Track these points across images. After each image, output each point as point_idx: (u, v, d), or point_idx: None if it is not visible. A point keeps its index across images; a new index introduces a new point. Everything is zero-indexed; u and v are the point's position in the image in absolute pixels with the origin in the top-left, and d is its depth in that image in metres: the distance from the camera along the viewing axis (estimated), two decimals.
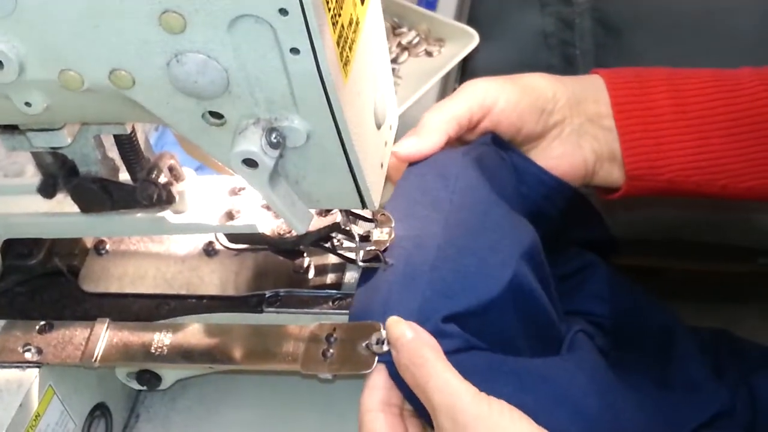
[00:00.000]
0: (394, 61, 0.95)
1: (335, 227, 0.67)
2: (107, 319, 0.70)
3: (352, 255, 0.68)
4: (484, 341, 0.65)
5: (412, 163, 0.71)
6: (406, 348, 0.59)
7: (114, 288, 0.73)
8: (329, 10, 0.50)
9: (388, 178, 0.69)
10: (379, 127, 0.61)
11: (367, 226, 0.68)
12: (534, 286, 0.69)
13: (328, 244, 0.68)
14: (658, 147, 0.76)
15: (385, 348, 0.61)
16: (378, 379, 0.61)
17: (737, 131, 0.76)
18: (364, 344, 0.64)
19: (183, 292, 0.71)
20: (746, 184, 0.78)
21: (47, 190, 0.67)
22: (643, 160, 0.77)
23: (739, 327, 1.68)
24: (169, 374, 0.72)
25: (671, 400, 0.78)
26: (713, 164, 0.77)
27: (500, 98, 0.72)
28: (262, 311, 0.69)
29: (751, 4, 1.22)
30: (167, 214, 0.67)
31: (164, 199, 0.66)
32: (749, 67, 0.80)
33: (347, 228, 0.67)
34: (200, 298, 0.71)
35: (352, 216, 0.68)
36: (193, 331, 0.69)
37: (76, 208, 0.68)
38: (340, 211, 0.66)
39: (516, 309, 0.67)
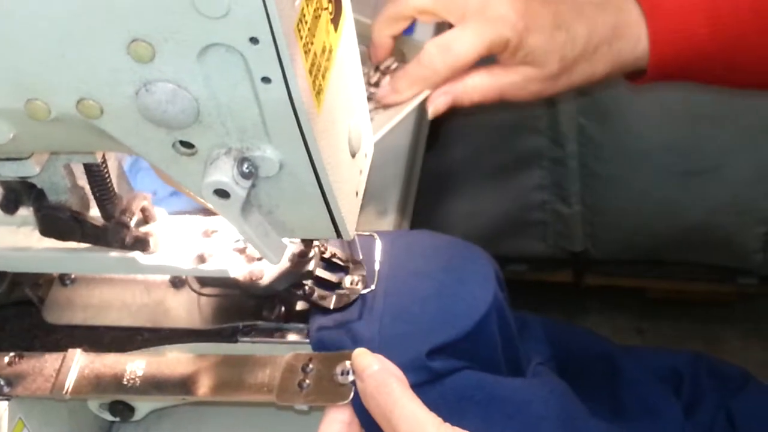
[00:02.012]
0: (375, 85, 0.95)
1: (307, 275, 0.66)
2: (78, 350, 0.69)
3: (324, 303, 0.67)
4: (470, 360, 0.65)
5: None
6: (373, 378, 0.59)
7: (78, 320, 0.71)
8: (301, 38, 0.49)
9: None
10: (353, 155, 0.60)
11: (339, 274, 0.68)
12: (504, 303, 0.69)
13: (300, 291, 0.67)
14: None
15: (350, 378, 0.61)
16: (338, 413, 0.61)
17: None
18: (341, 374, 0.63)
19: (149, 324, 0.70)
20: None
21: (9, 206, 0.65)
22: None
23: (720, 346, 1.70)
24: (143, 405, 0.71)
25: (630, 426, 0.77)
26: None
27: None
28: (236, 341, 0.68)
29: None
30: (138, 255, 0.66)
31: (136, 243, 0.65)
32: None
33: (319, 275, 0.67)
34: (174, 329, 0.70)
35: (324, 263, 0.67)
36: (166, 362, 0.68)
37: (45, 242, 0.67)
38: (313, 259, 0.66)
39: (498, 325, 0.67)
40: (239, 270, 0.66)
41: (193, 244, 0.67)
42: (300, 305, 0.69)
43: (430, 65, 0.77)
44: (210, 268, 0.66)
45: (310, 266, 0.66)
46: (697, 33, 0.77)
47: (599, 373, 0.83)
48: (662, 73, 0.80)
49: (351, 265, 0.69)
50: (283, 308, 0.69)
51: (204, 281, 0.70)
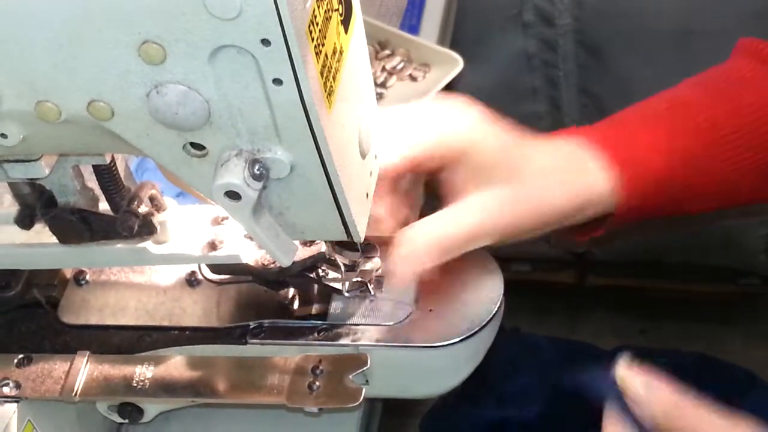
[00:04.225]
0: (382, 85, 0.95)
1: (320, 257, 0.66)
2: (87, 352, 0.69)
3: (338, 285, 0.67)
4: None
5: None
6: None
7: (94, 320, 0.71)
8: (312, 39, 0.49)
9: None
10: (364, 156, 0.60)
11: (353, 255, 0.67)
12: None
13: (313, 275, 0.67)
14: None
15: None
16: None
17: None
18: (350, 376, 0.63)
19: (165, 323, 0.70)
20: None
21: (24, 221, 0.66)
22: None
23: (722, 346, 1.70)
24: (152, 407, 0.71)
25: None
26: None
27: None
28: (246, 343, 0.68)
29: (733, 25, 1.23)
30: (148, 245, 0.66)
31: (145, 229, 0.65)
32: (692, 83, 0.78)
33: (332, 258, 0.66)
34: (183, 329, 0.70)
35: (337, 246, 0.67)
36: (175, 364, 0.68)
37: (54, 239, 0.67)
38: (325, 241, 0.65)
39: None
40: (251, 255, 0.66)
41: (203, 231, 0.67)
42: (316, 308, 0.69)
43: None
44: (222, 254, 0.66)
45: (323, 249, 0.66)
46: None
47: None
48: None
49: (365, 248, 0.68)
50: (298, 297, 0.69)
51: (217, 272, 0.70)
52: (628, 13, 1.31)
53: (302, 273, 0.67)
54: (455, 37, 1.20)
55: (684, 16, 1.25)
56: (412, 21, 1.12)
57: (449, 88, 1.06)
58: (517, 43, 1.34)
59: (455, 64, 0.93)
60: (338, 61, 0.54)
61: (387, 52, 0.96)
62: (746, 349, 1.70)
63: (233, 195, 0.53)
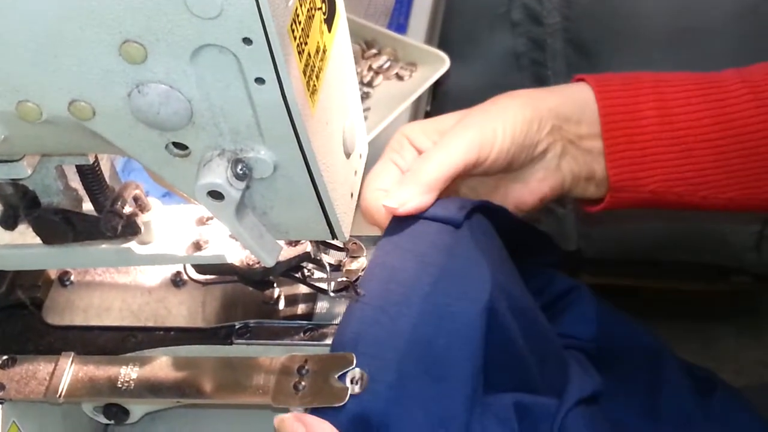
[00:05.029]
0: (368, 84, 0.95)
1: (305, 257, 0.66)
2: (72, 353, 0.68)
3: (323, 285, 0.67)
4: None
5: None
6: None
7: (79, 320, 0.71)
8: (295, 38, 0.49)
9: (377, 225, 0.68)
10: (348, 155, 0.60)
11: (338, 255, 0.67)
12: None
13: (298, 274, 0.67)
14: (642, 159, 0.75)
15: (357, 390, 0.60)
16: None
17: (721, 142, 0.75)
18: (336, 376, 0.63)
19: (150, 324, 0.70)
20: (727, 195, 0.76)
21: (8, 221, 0.65)
22: (627, 172, 0.75)
23: (714, 344, 1.70)
24: (137, 408, 0.70)
25: None
26: (696, 175, 0.76)
27: (494, 148, 0.70)
28: (231, 343, 0.67)
29: (724, 24, 1.23)
30: (133, 245, 0.66)
31: (129, 230, 0.65)
32: (732, 69, 0.78)
33: (318, 258, 0.66)
34: (168, 330, 0.69)
35: (322, 245, 0.67)
36: (160, 365, 0.67)
37: (38, 240, 0.66)
38: (310, 240, 0.65)
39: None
40: (236, 255, 0.66)
41: (188, 231, 0.67)
42: (301, 308, 0.69)
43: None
44: (206, 254, 0.65)
45: (308, 249, 0.66)
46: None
47: (642, 369, 0.81)
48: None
49: (350, 247, 0.68)
50: (283, 297, 0.69)
51: (202, 272, 0.70)
52: (618, 12, 1.31)
53: (287, 273, 0.66)
54: (443, 36, 1.20)
55: (674, 15, 1.26)
56: (400, 20, 1.12)
57: (436, 87, 1.06)
58: (506, 42, 1.34)
59: (442, 63, 0.93)
60: (321, 60, 0.53)
61: (373, 51, 0.96)
62: (738, 347, 1.71)
63: (216, 195, 0.53)
